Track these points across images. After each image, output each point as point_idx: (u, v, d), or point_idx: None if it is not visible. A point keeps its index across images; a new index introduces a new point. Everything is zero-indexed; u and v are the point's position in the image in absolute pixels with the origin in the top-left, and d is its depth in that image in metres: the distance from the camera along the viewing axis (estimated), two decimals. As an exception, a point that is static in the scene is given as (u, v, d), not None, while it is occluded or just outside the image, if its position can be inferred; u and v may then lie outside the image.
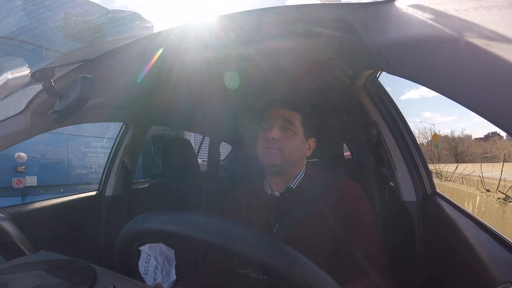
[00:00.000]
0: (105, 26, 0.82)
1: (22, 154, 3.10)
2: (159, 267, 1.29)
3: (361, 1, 0.59)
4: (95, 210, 1.33)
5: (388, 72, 0.59)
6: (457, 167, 8.66)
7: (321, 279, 0.38)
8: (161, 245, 1.34)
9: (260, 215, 0.81)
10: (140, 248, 1.33)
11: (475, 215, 0.75)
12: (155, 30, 0.83)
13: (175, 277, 1.30)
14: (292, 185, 0.81)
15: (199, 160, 2.08)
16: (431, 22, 0.37)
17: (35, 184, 3.21)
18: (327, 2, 0.65)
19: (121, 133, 1.41)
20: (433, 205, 0.92)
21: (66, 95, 0.71)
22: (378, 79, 1.07)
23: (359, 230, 0.72)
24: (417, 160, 1.04)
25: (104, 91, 0.98)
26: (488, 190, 4.83)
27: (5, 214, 0.93)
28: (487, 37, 0.29)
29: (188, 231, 0.40)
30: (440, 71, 0.38)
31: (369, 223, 0.75)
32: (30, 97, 0.81)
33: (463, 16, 0.33)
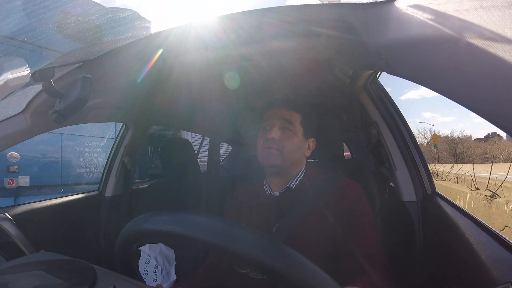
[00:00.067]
0: (105, 26, 0.82)
1: (15, 154, 3.03)
2: (159, 267, 1.29)
3: (361, 1, 0.59)
4: (95, 210, 1.33)
5: (388, 72, 0.59)
6: (452, 167, 9.18)
7: (321, 279, 0.38)
8: (161, 245, 1.34)
9: (260, 215, 0.81)
10: (140, 248, 1.33)
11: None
12: (153, 29, 0.83)
13: (175, 277, 1.30)
14: (291, 185, 0.81)
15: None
16: (431, 22, 0.37)
17: (28, 184, 3.15)
18: (327, 2, 0.66)
19: (121, 133, 1.41)
20: (433, 205, 0.92)
21: (66, 95, 0.71)
22: (378, 79, 1.07)
23: (359, 230, 0.72)
24: (417, 160, 1.03)
25: (104, 91, 0.98)
26: (477, 189, 5.15)
27: (5, 214, 0.93)
28: (487, 37, 0.29)
29: (188, 231, 0.40)
30: (440, 71, 0.38)
31: (369, 223, 0.74)
32: (30, 97, 0.81)
33: (463, 16, 0.33)
